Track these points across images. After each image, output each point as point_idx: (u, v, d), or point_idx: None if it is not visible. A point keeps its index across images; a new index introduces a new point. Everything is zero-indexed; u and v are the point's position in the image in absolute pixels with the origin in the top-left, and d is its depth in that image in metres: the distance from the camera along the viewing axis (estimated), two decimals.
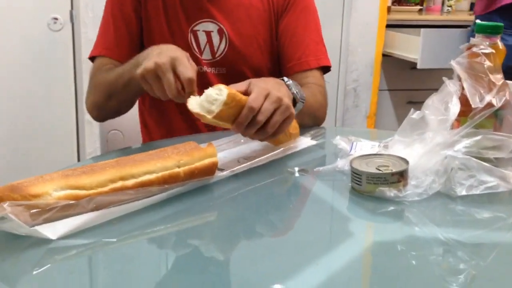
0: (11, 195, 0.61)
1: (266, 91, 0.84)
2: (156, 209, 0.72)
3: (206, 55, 1.17)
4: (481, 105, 0.80)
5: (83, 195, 0.66)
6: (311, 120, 1.11)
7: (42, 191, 0.63)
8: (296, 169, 0.88)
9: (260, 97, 0.83)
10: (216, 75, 1.18)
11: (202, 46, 1.17)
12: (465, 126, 0.78)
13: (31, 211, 0.61)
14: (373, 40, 2.70)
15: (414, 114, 0.83)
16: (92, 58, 1.19)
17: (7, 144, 2.28)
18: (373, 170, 0.77)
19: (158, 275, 0.61)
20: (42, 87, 2.29)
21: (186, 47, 1.15)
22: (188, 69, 0.84)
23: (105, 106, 1.11)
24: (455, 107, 0.80)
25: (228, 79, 1.16)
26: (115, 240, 0.66)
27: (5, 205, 0.59)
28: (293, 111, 0.87)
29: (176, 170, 0.75)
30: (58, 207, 0.62)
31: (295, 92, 0.96)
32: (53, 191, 0.64)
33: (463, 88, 0.83)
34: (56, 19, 2.24)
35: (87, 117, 2.39)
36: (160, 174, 0.73)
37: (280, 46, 1.20)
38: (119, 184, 0.69)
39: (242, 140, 0.97)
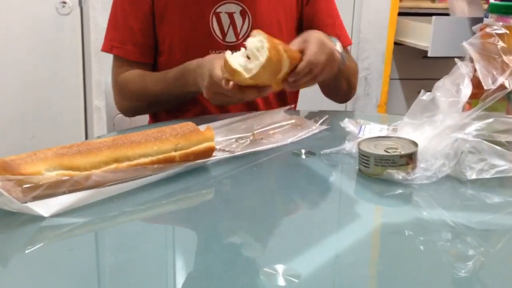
0: (1, 174, 0.59)
1: (322, 45, 0.94)
2: (153, 188, 0.71)
3: (230, 38, 1.15)
4: (493, 87, 0.78)
5: (76, 176, 0.64)
6: (346, 84, 1.18)
7: (34, 170, 0.61)
8: (303, 151, 0.86)
9: (319, 51, 0.93)
10: None
11: (225, 29, 1.15)
12: (477, 108, 0.76)
13: (23, 186, 0.59)
14: (384, 28, 2.67)
15: (424, 96, 0.81)
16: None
17: (15, 129, 2.29)
18: (381, 152, 0.75)
19: (157, 254, 0.59)
20: (50, 72, 2.29)
21: (207, 31, 1.13)
22: (218, 69, 0.90)
23: (145, 111, 1.21)
24: (466, 89, 0.78)
25: None
26: (110, 218, 0.64)
27: None
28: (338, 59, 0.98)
29: (172, 154, 0.74)
30: (52, 182, 0.60)
31: (339, 50, 1.03)
32: (46, 170, 0.62)
33: (475, 70, 0.81)
34: (64, 3, 2.23)
35: (95, 102, 2.39)
36: (155, 157, 0.72)
37: (306, 28, 1.19)
38: (113, 166, 0.68)
39: (240, 119, 0.97)
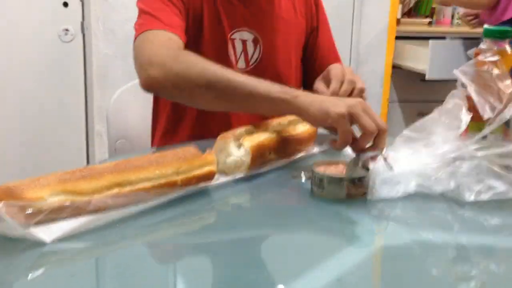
0: (5, 199, 0.59)
1: (342, 76, 1.00)
2: (154, 212, 0.71)
3: (241, 64, 1.17)
4: (492, 115, 0.79)
5: (78, 201, 0.64)
6: None
7: (37, 196, 0.62)
8: (301, 174, 0.87)
9: (338, 83, 0.98)
10: None
11: (238, 55, 1.17)
12: (474, 133, 0.77)
13: (27, 211, 0.59)
14: (382, 51, 2.70)
15: (421, 120, 0.82)
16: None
17: (17, 154, 2.30)
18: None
19: (159, 278, 0.59)
20: (53, 98, 2.31)
21: (225, 56, 1.15)
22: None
23: (188, 91, 0.94)
24: (465, 117, 0.79)
25: None
26: (111, 243, 0.65)
27: (0, 204, 0.58)
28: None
29: (174, 178, 0.74)
30: (54, 207, 0.61)
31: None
32: (49, 196, 0.62)
33: (468, 95, 0.82)
34: (67, 30, 2.27)
35: (97, 128, 2.41)
36: (157, 182, 0.72)
37: (310, 59, 1.26)
38: (115, 190, 0.68)
39: None
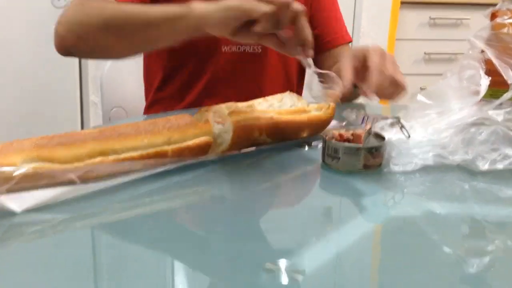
0: None
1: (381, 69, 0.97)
2: (142, 182, 0.66)
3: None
4: None
5: (55, 169, 0.59)
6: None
7: (8, 162, 0.56)
8: (305, 143, 0.83)
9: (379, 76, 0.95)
10: (250, 54, 1.14)
11: None
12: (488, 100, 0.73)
13: None
14: (386, 24, 2.65)
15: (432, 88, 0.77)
16: None
17: (10, 125, 2.26)
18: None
19: (150, 252, 0.53)
20: (46, 67, 2.26)
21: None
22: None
23: (91, 38, 0.90)
24: (484, 80, 0.75)
25: (262, 58, 1.15)
26: (92, 215, 0.59)
27: None
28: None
29: (165, 148, 0.68)
30: (27, 174, 0.55)
31: None
32: (22, 162, 0.57)
33: (484, 61, 0.77)
34: None
35: (92, 98, 2.37)
36: (145, 151, 0.66)
37: (315, 22, 1.20)
38: (98, 159, 0.62)
39: None
